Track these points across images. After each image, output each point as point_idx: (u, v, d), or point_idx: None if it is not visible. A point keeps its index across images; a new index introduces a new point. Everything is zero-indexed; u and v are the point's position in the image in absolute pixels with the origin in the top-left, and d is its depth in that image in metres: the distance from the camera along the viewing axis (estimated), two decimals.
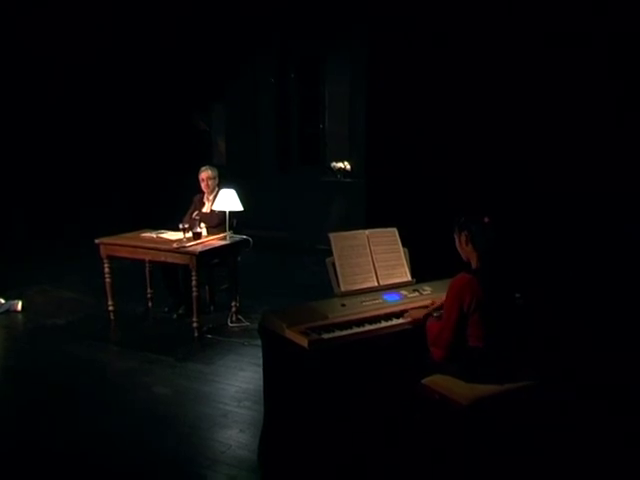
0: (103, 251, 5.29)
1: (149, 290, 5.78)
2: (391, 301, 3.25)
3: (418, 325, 3.01)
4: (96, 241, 5.30)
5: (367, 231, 3.50)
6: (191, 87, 9.35)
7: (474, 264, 2.83)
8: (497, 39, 4.14)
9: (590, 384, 3.60)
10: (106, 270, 5.31)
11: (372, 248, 3.45)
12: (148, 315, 5.73)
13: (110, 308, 5.44)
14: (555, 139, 4.02)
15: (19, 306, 5.80)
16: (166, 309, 5.69)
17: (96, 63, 8.37)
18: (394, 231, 3.58)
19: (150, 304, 5.80)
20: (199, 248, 4.99)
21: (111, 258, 5.32)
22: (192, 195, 5.77)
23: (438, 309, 3.05)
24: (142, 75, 8.95)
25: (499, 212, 3.01)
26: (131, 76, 8.85)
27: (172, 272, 5.49)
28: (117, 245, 5.26)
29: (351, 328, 2.95)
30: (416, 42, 4.57)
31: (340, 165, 8.81)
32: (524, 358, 2.93)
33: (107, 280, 5.34)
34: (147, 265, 5.68)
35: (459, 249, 2.91)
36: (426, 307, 3.13)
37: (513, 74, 4.12)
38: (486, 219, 2.84)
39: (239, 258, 5.47)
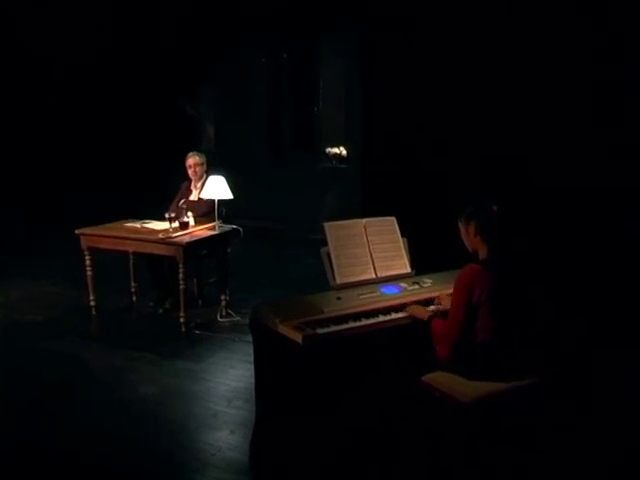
0: (84, 242, 5.27)
1: (133, 283, 5.76)
2: (389, 294, 3.25)
3: (419, 320, 3.01)
4: (76, 232, 5.28)
5: (364, 220, 3.49)
6: (178, 70, 9.28)
7: (482, 255, 2.83)
8: (500, 24, 4.13)
9: (594, 382, 3.62)
10: (87, 262, 5.29)
11: (369, 238, 3.44)
12: (132, 310, 5.71)
13: (92, 303, 5.43)
14: (557, 131, 4.03)
15: None
16: (151, 304, 5.67)
17: (77, 47, 8.30)
18: (393, 220, 3.57)
19: (134, 298, 5.78)
20: (186, 239, 4.97)
21: (92, 250, 5.30)
22: (179, 182, 5.74)
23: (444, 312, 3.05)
24: (126, 58, 8.88)
25: (505, 200, 3.00)
26: (115, 60, 8.78)
27: (158, 264, 5.48)
28: (99, 236, 5.24)
29: (347, 323, 2.94)
30: (415, 21, 4.55)
31: (335, 151, 8.79)
32: (531, 354, 2.93)
33: (88, 273, 5.32)
34: (131, 257, 5.66)
35: (465, 240, 2.91)
36: (427, 300, 3.12)
37: (518, 54, 4.11)
38: (494, 208, 2.83)
39: (229, 249, 5.46)
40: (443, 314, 2.92)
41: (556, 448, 3.18)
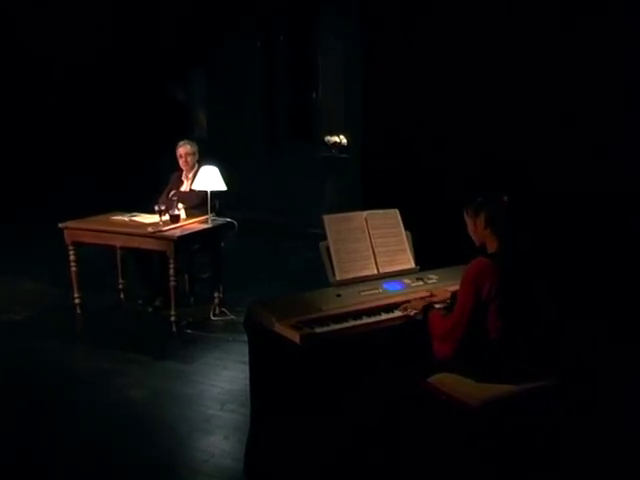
0: (68, 236, 5.25)
1: (121, 280, 5.75)
2: (392, 291, 3.25)
3: (424, 318, 3.01)
4: (60, 225, 5.26)
5: (365, 213, 3.49)
6: (167, 52, 9.24)
7: (492, 248, 2.82)
8: (509, 11, 4.13)
9: (607, 383, 3.62)
10: (71, 258, 5.28)
11: (371, 232, 3.43)
12: (120, 309, 5.71)
13: (76, 301, 5.41)
14: (566, 120, 4.03)
15: None
16: (140, 302, 5.67)
17: (61, 28, 8.27)
18: (395, 212, 3.56)
19: (122, 296, 5.77)
20: (177, 232, 4.96)
21: (77, 244, 5.29)
22: (169, 173, 5.73)
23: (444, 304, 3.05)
24: (113, 39, 8.83)
25: (514, 191, 3.00)
26: (100, 40, 8.72)
27: (147, 260, 5.47)
28: (84, 230, 5.23)
29: (347, 321, 2.94)
30: (421, 0, 4.53)
31: (335, 139, 8.77)
32: (543, 355, 2.93)
33: (72, 269, 5.31)
34: (118, 252, 5.64)
35: (473, 233, 2.90)
36: (425, 298, 3.12)
37: (525, 42, 4.10)
38: (505, 199, 2.82)
39: (222, 243, 5.46)
40: (447, 309, 2.92)
41: (568, 455, 3.18)
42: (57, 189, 8.31)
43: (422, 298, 3.14)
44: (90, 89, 8.87)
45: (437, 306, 3.03)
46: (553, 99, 4.08)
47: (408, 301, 3.11)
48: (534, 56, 4.10)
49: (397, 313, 3.06)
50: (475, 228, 2.88)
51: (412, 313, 3.03)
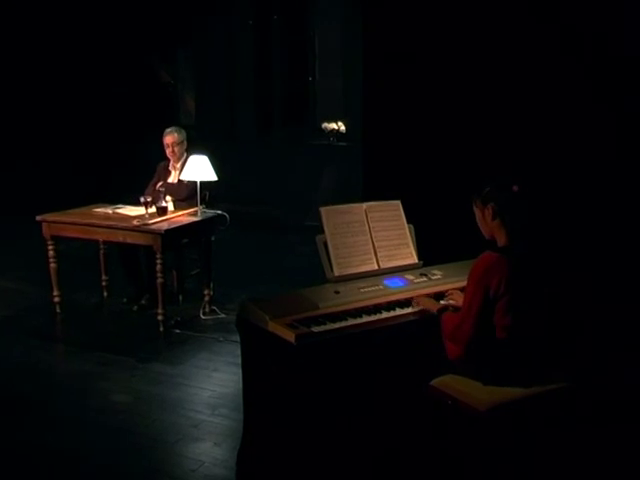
0: (46, 230, 5.25)
1: (104, 277, 5.76)
2: (394, 287, 3.25)
3: (428, 316, 3.02)
4: (37, 218, 5.26)
5: (365, 204, 3.49)
6: (152, 30, 9.21)
7: (501, 241, 2.83)
8: None
9: (626, 386, 3.63)
10: (50, 253, 5.28)
11: (371, 225, 3.43)
12: (103, 307, 5.72)
13: (56, 299, 5.42)
14: (577, 109, 4.03)
15: None
16: (125, 300, 5.67)
17: (34, 4, 8.23)
18: (397, 204, 3.56)
19: (105, 294, 5.78)
20: (164, 226, 4.97)
21: (57, 239, 5.29)
22: (155, 163, 5.73)
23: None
24: (91, 15, 8.79)
25: (527, 178, 2.99)
26: (77, 13, 8.66)
27: (132, 255, 5.48)
28: (64, 223, 5.23)
29: (346, 320, 2.94)
30: None
31: (333, 126, 8.77)
32: (557, 356, 2.94)
33: (52, 265, 5.31)
34: (101, 247, 5.65)
35: (481, 225, 2.90)
36: (436, 295, 3.13)
37: (529, 24, 4.10)
38: (515, 187, 2.82)
39: (213, 237, 5.46)
40: (456, 309, 2.93)
41: (583, 464, 3.19)
42: (34, 179, 8.29)
43: (427, 295, 3.15)
44: (68, 71, 8.81)
45: (452, 308, 3.03)
46: (567, 82, 4.08)
47: (421, 300, 3.12)
48: (544, 39, 4.09)
49: (399, 311, 3.06)
50: (483, 220, 2.88)
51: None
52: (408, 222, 3.55)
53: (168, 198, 5.38)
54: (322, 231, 3.32)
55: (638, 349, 3.73)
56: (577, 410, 3.05)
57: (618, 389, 3.60)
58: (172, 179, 5.59)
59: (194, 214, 5.24)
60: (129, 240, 5.07)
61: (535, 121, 4.14)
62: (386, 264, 3.41)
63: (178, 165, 5.55)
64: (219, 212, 5.31)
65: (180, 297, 5.76)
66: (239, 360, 3.21)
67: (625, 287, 3.89)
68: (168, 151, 5.55)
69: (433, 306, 3.02)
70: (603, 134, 3.96)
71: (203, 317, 5.40)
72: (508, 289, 2.69)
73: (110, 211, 5.34)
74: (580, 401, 3.02)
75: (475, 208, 2.91)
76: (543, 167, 4.05)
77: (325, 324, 2.88)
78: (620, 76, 3.89)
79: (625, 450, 3.30)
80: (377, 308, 3.06)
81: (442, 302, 3.10)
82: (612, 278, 3.92)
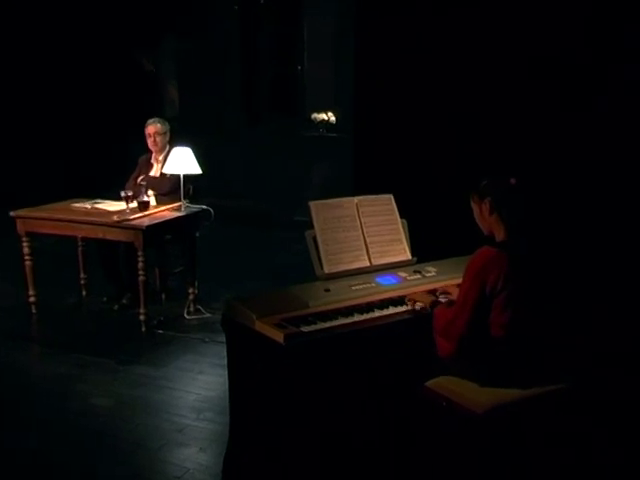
0: (21, 226, 5.23)
1: (82, 275, 5.75)
2: (386, 285, 3.26)
3: (422, 314, 3.03)
4: (12, 214, 5.24)
5: (356, 198, 3.50)
6: (133, 16, 9.17)
7: (499, 236, 2.84)
8: None
9: (628, 387, 3.65)
10: (25, 250, 5.26)
11: (363, 220, 3.44)
12: (82, 307, 5.71)
13: (31, 299, 5.40)
14: (574, 101, 4.05)
15: None
16: (105, 299, 5.67)
17: None
18: (390, 198, 3.58)
19: (84, 293, 5.77)
20: (146, 221, 4.96)
21: (32, 235, 5.27)
22: (137, 155, 5.72)
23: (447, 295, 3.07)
24: (69, 0, 8.74)
25: (525, 171, 3.00)
26: (54, 1, 8.62)
27: (112, 252, 5.46)
28: (40, 219, 5.21)
29: (337, 319, 2.95)
30: None
31: (323, 116, 8.77)
32: (556, 355, 2.95)
33: (27, 263, 5.30)
34: (80, 244, 5.64)
35: (479, 220, 2.92)
36: (430, 292, 3.14)
37: (521, 17, 4.12)
38: (513, 180, 2.83)
39: (197, 233, 5.46)
40: (450, 304, 2.94)
41: (584, 468, 3.21)
42: (8, 173, 8.23)
43: (427, 292, 3.16)
44: (43, 60, 8.75)
45: (443, 300, 3.04)
46: (561, 74, 4.09)
47: (413, 294, 3.13)
48: (537, 31, 4.10)
49: (392, 310, 3.07)
50: (481, 214, 2.90)
51: (418, 307, 3.05)
52: (401, 217, 3.56)
53: (150, 192, 5.37)
54: (311, 226, 3.32)
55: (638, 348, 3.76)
56: (578, 412, 3.06)
57: (618, 390, 3.63)
58: (154, 172, 5.58)
59: (177, 209, 5.23)
60: (109, 236, 5.06)
61: (531, 112, 4.16)
62: (378, 260, 3.42)
63: (160, 157, 5.54)
64: (203, 207, 5.31)
65: (163, 296, 5.77)
66: (225, 362, 3.21)
67: (626, 284, 3.91)
68: (150, 142, 5.54)
69: (427, 299, 3.04)
70: (598, 126, 3.97)
71: (187, 317, 5.39)
72: (507, 285, 2.71)
73: (89, 206, 5.32)
74: (581, 403, 3.04)
75: (472, 203, 2.93)
76: (541, 159, 4.06)
77: (315, 323, 2.88)
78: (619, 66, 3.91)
79: (625, 452, 3.32)
80: (369, 306, 3.07)
81: (437, 296, 3.11)
82: (616, 273, 3.94)
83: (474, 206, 2.93)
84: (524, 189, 2.85)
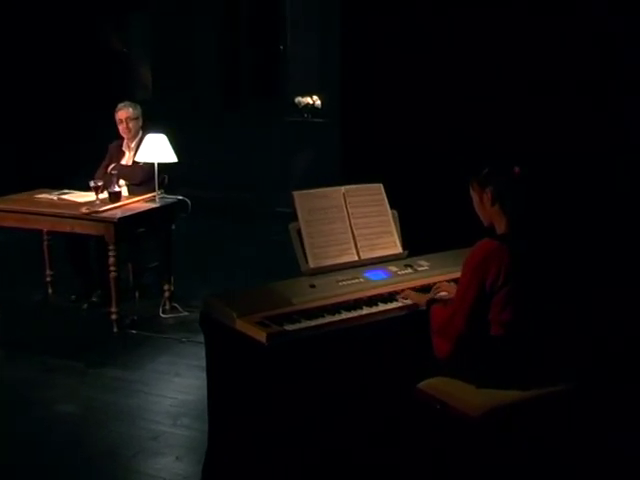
0: None
1: (48, 272, 5.72)
2: (376, 280, 3.27)
3: (414, 312, 3.04)
4: None
5: (343, 188, 3.51)
6: None
7: (501, 229, 2.85)
8: None
9: (634, 388, 3.68)
10: None
11: (350, 210, 3.45)
12: (47, 306, 5.69)
13: None
14: (577, 87, 4.08)
15: None
16: (73, 297, 5.66)
17: None
18: (379, 187, 3.59)
19: (50, 290, 5.76)
20: (118, 213, 4.95)
21: None
22: (107, 142, 5.70)
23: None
24: None
25: (526, 159, 3.01)
26: None
27: (81, 246, 5.45)
28: (1, 211, 5.19)
29: (323, 317, 2.96)
30: None
31: (307, 100, 8.76)
32: (559, 354, 2.97)
33: None
34: (45, 238, 5.61)
35: (479, 210, 2.92)
36: (423, 288, 3.15)
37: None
38: (517, 169, 2.84)
39: (173, 226, 5.46)
40: (447, 302, 2.95)
41: (587, 474, 3.23)
42: None
43: (413, 288, 3.17)
44: (9, 35, 8.67)
45: (438, 296, 3.06)
46: (560, 60, 4.11)
47: (402, 291, 3.15)
48: (530, 20, 4.13)
49: (382, 307, 3.08)
50: (482, 205, 2.90)
51: (409, 302, 3.08)
52: (391, 207, 3.57)
53: (122, 182, 5.36)
54: (295, 218, 3.33)
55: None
56: (579, 415, 3.08)
57: (625, 391, 3.66)
58: (126, 161, 5.56)
59: (151, 200, 5.23)
60: (77, 230, 5.04)
61: (530, 98, 4.18)
62: (367, 254, 3.42)
63: (133, 145, 5.52)
64: (179, 198, 5.31)
65: (137, 293, 5.75)
66: (203, 363, 3.22)
67: (630, 282, 3.94)
68: (121, 128, 5.52)
69: (421, 299, 3.05)
70: (605, 117, 4.00)
71: (163, 315, 5.39)
72: (508, 280, 2.72)
73: (55, 197, 5.31)
74: (582, 405, 3.06)
75: (472, 191, 2.93)
76: (541, 148, 4.08)
77: (300, 322, 2.89)
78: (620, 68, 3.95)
79: (632, 457, 3.35)
80: (357, 303, 3.08)
81: (432, 294, 3.13)
82: (622, 268, 3.98)
83: (474, 195, 2.93)
84: (527, 180, 2.86)
